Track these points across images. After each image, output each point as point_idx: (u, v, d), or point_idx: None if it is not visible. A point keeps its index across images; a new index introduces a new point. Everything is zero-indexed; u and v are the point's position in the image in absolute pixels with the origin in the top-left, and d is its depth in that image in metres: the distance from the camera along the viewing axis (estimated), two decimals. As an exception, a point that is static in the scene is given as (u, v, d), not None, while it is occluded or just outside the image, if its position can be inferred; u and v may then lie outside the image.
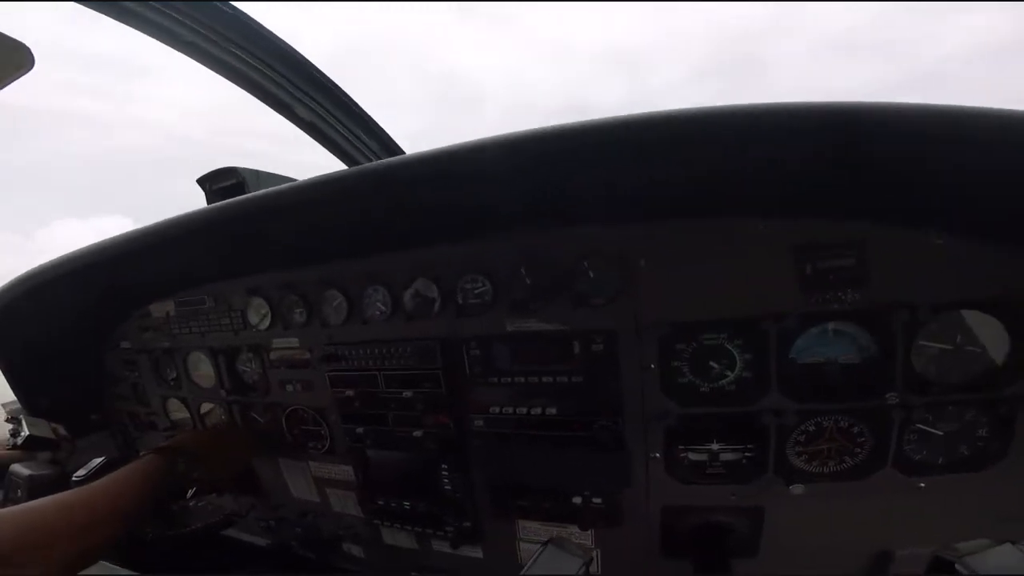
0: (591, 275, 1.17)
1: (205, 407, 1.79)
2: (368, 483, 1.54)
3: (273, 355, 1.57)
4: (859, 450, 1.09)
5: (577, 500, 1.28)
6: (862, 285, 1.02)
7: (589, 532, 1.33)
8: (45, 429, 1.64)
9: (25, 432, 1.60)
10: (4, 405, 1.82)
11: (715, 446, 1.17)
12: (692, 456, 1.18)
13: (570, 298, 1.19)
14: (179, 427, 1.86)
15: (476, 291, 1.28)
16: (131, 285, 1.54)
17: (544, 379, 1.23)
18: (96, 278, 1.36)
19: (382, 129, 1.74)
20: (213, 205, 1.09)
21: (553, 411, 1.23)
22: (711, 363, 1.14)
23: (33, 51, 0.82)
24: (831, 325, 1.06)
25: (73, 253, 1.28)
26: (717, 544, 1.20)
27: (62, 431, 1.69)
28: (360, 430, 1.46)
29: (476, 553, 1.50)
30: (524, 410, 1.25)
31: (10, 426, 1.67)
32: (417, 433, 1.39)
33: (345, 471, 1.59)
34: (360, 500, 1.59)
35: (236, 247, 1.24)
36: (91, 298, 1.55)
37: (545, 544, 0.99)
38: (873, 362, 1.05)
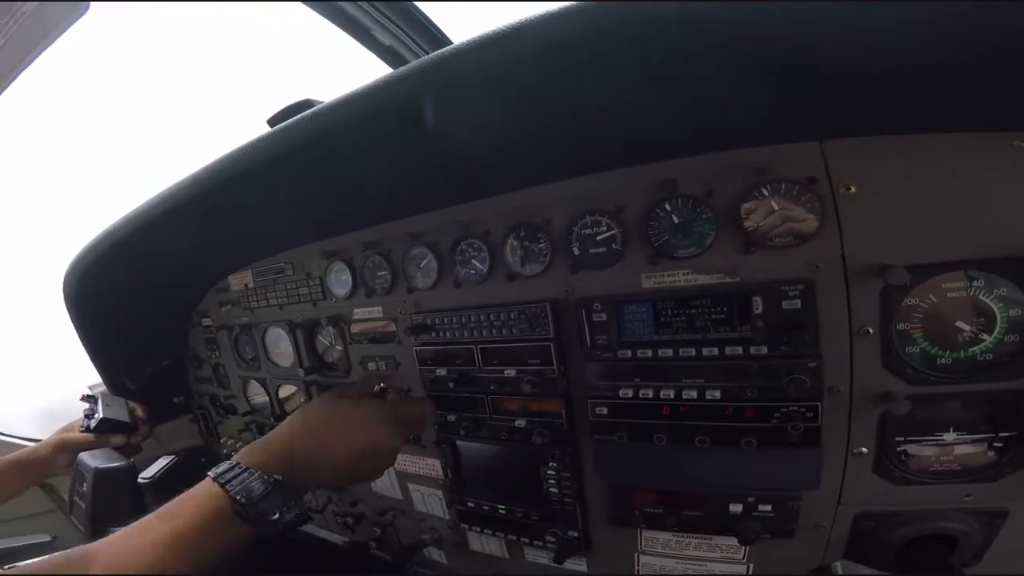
0: (774, 206, 0.76)
1: (284, 391, 1.51)
2: (457, 481, 1.18)
3: (354, 328, 1.26)
4: None
5: (736, 508, 0.88)
6: None
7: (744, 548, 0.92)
8: (121, 410, 1.42)
9: (99, 414, 1.38)
10: (91, 387, 1.64)
11: (950, 436, 0.76)
12: (913, 449, 0.78)
13: (737, 240, 0.80)
14: (258, 412, 1.60)
15: (599, 237, 0.90)
16: (204, 246, 1.29)
17: (705, 351, 0.82)
18: (168, 236, 1.10)
19: None
20: (270, 130, 0.79)
21: (716, 395, 0.82)
22: (958, 323, 0.73)
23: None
24: None
25: (143, 205, 1.03)
26: (936, 558, 0.80)
27: (140, 412, 1.46)
28: (451, 417, 1.10)
29: (579, 566, 1.12)
30: (670, 393, 0.85)
31: (86, 405, 1.45)
32: (520, 422, 1.02)
33: (431, 465, 1.24)
34: (447, 500, 1.24)
35: (305, 187, 0.93)
36: (170, 264, 1.32)
37: None
38: None
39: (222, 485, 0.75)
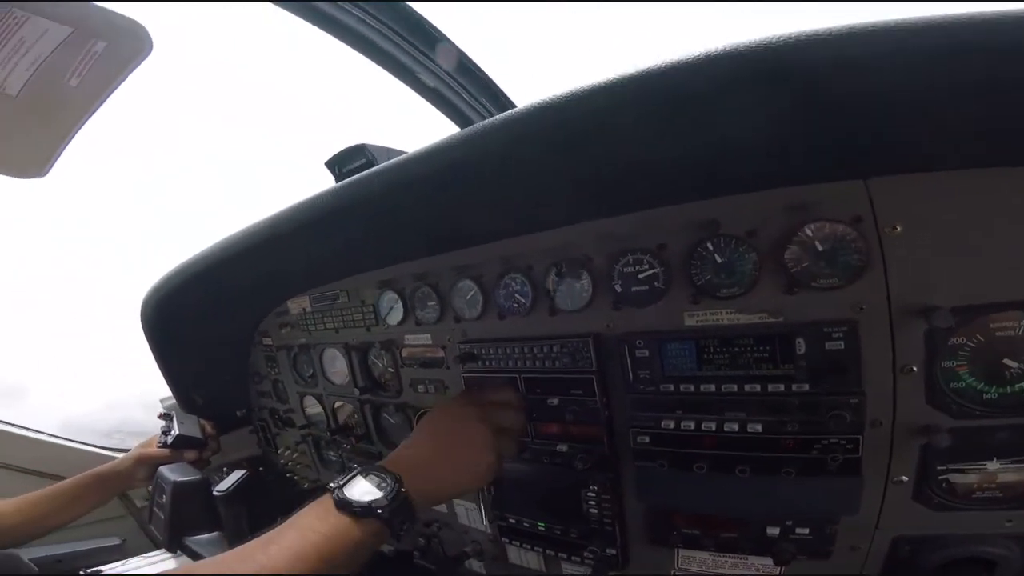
0: (818, 247, 0.76)
1: (338, 403, 1.57)
2: (499, 498, 1.20)
3: (405, 352, 1.30)
4: None
5: (774, 531, 0.87)
6: None
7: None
8: (194, 427, 1.52)
9: (175, 431, 1.48)
10: (162, 401, 1.76)
11: (994, 464, 0.74)
12: (955, 478, 0.77)
13: (781, 280, 0.79)
14: (314, 425, 1.66)
15: (641, 275, 0.91)
16: (269, 278, 1.37)
17: (747, 387, 0.82)
18: (238, 269, 1.18)
19: (507, 97, 1.46)
20: (335, 186, 0.85)
21: (758, 428, 0.82)
22: (1005, 360, 0.71)
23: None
24: None
25: (217, 243, 1.11)
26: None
27: (210, 428, 1.56)
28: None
29: (614, 581, 1.11)
30: (711, 425, 0.86)
31: (163, 422, 1.56)
32: (562, 447, 1.04)
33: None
34: (489, 516, 1.26)
35: (363, 231, 0.99)
36: (236, 291, 1.40)
37: None
38: None
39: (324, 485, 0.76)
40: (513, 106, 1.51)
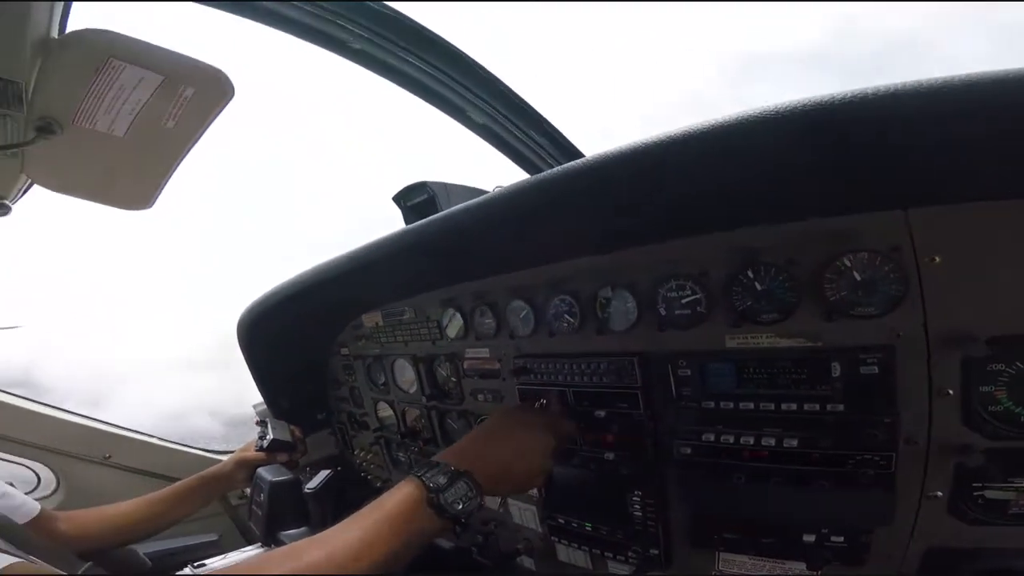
0: (856, 277, 0.80)
1: (407, 408, 1.71)
2: (550, 499, 1.29)
3: (466, 364, 1.42)
4: None
5: (810, 538, 0.89)
6: None
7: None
8: (285, 432, 1.70)
9: (270, 436, 1.66)
10: (255, 406, 1.95)
11: None
12: (991, 494, 0.77)
13: (822, 307, 0.83)
14: (386, 428, 1.81)
15: (684, 300, 0.98)
16: (347, 298, 1.54)
17: (784, 406, 0.87)
18: (321, 293, 1.36)
19: (556, 129, 1.54)
20: (401, 231, 0.98)
21: (793, 443, 0.86)
22: None
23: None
24: None
25: (306, 272, 1.29)
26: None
27: (298, 433, 1.74)
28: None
29: (657, 579, 1.15)
30: (750, 440, 0.90)
31: (258, 429, 1.75)
32: (608, 455, 1.11)
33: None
34: (541, 516, 1.34)
35: (430, 265, 1.12)
36: (318, 310, 1.58)
37: None
38: None
39: (419, 476, 0.83)
40: (562, 138, 1.62)
